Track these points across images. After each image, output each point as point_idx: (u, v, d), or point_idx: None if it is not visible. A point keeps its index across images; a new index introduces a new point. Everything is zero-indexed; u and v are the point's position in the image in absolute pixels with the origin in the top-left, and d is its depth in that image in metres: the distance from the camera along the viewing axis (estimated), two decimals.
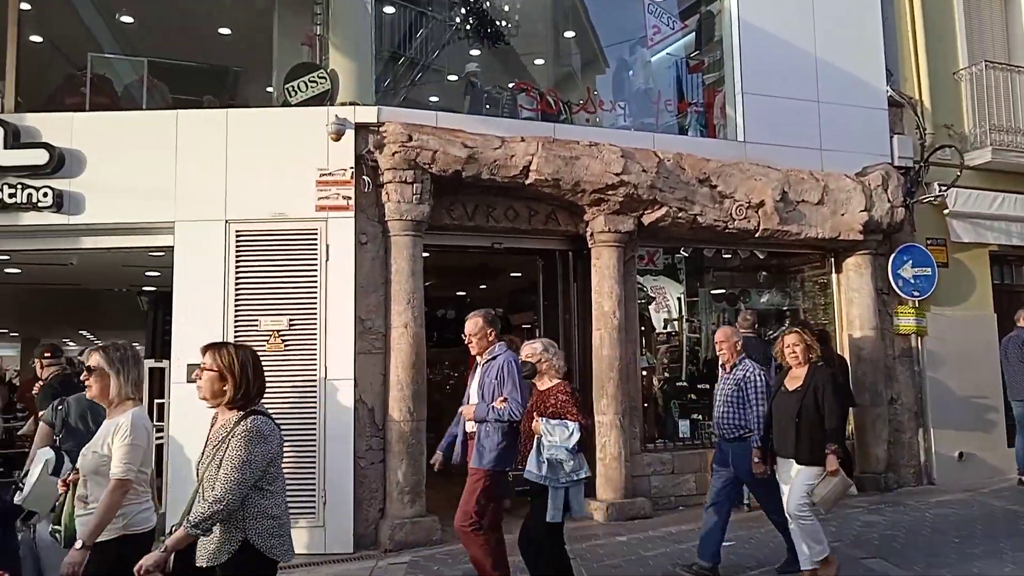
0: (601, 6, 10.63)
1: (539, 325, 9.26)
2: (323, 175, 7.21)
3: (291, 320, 7.05)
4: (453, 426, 5.66)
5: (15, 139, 7.01)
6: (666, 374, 9.35)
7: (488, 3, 9.99)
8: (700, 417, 8.90)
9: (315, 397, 6.96)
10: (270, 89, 8.84)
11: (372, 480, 7.12)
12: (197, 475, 3.38)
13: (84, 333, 20.37)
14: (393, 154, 7.23)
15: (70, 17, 9.32)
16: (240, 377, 3.37)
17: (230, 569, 3.24)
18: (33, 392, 7.60)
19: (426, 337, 7.42)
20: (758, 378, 5.98)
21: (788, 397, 5.62)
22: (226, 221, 7.12)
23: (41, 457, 4.55)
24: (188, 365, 6.86)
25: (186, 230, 7.12)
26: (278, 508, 3.39)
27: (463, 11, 9.87)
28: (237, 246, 7.11)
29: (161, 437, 7.56)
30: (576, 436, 4.75)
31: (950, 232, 9.83)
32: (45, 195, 6.97)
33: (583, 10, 10.71)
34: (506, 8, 10.18)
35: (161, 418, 7.56)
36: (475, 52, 9.94)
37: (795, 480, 5.50)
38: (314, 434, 6.94)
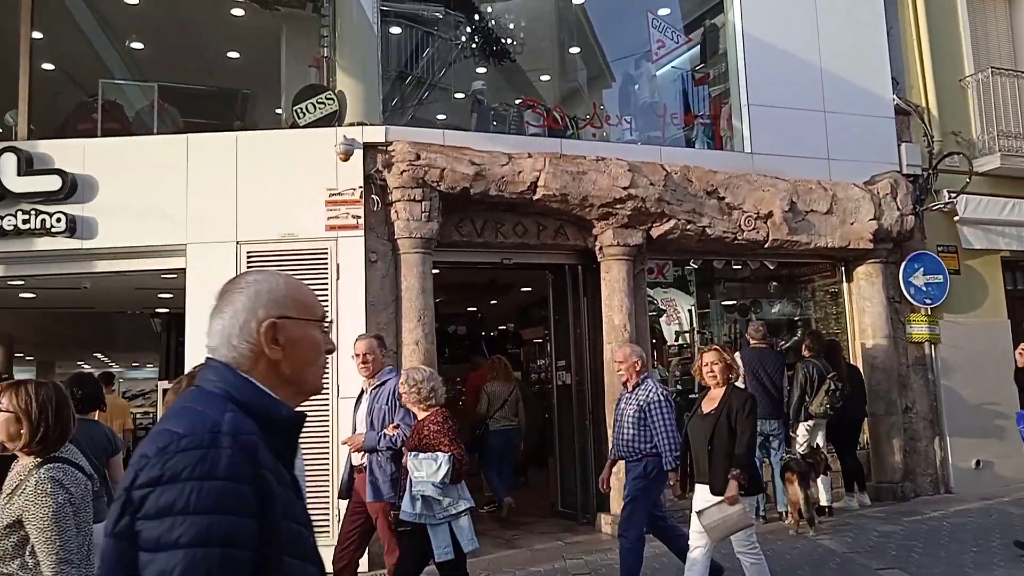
0: (606, 22, 10.70)
1: (550, 339, 9.27)
2: (332, 195, 7.27)
3: None
4: (348, 458, 5.42)
5: (28, 166, 7.10)
6: (678, 386, 9.33)
7: (493, 21, 10.08)
8: None
9: (328, 416, 6.98)
10: (279, 111, 8.94)
11: None
12: None
13: (99, 356, 20.51)
14: (401, 173, 7.28)
15: (81, 44, 9.46)
16: (38, 420, 2.92)
17: None
18: None
19: (437, 353, 7.44)
20: (662, 399, 5.74)
21: (703, 420, 5.26)
22: (237, 242, 7.19)
23: None
24: None
25: (198, 252, 7.18)
26: None
27: (469, 30, 9.96)
28: (248, 266, 7.16)
29: None
30: (445, 469, 4.48)
31: (961, 239, 9.80)
32: (58, 220, 7.05)
33: (588, 26, 10.78)
34: (511, 26, 10.27)
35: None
36: (481, 70, 10.02)
37: (701, 505, 5.17)
38: (327, 453, 6.95)
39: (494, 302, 13.50)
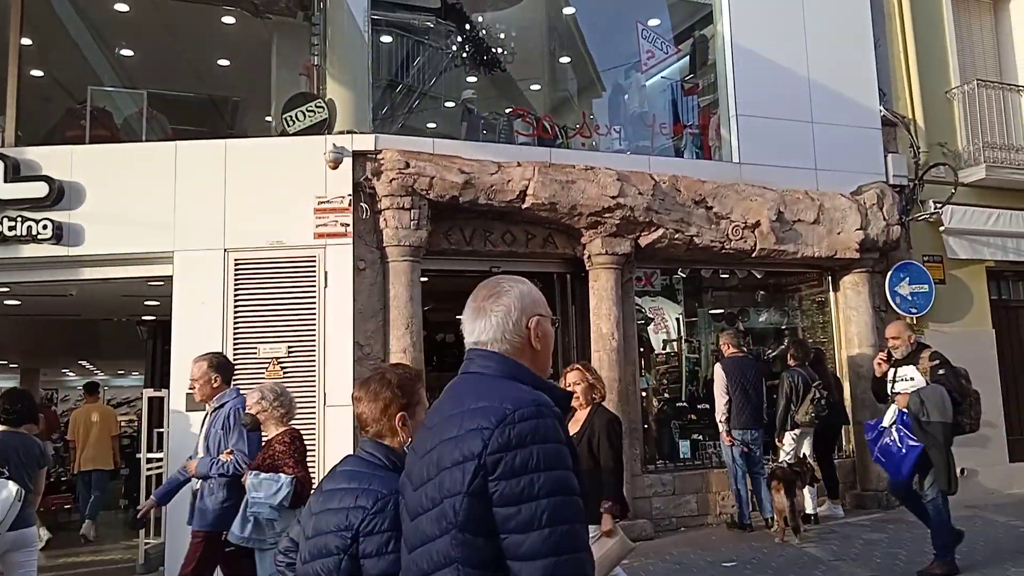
0: (596, 32, 10.76)
1: None
2: (321, 202, 7.28)
3: (290, 347, 7.08)
4: (178, 472, 5.21)
5: (15, 172, 7.08)
6: (666, 395, 9.36)
7: (484, 31, 10.12)
8: (701, 437, 8.91)
9: (315, 424, 6.97)
10: (269, 119, 8.94)
11: None
12: None
13: (84, 363, 20.39)
14: (391, 181, 7.30)
15: (70, 51, 9.44)
16: None
17: None
18: None
19: (425, 362, 7.44)
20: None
21: (579, 443, 4.84)
22: (225, 250, 7.18)
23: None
24: (187, 394, 6.88)
25: (185, 259, 7.17)
26: None
27: (460, 39, 10.00)
28: (236, 274, 7.16)
29: (160, 467, 7.58)
30: (285, 491, 4.20)
31: (946, 249, 9.88)
32: (45, 227, 7.03)
33: (579, 36, 10.84)
34: (502, 35, 10.31)
35: (161, 447, 7.59)
36: (472, 79, 10.06)
37: None
38: (313, 461, 6.93)
39: None
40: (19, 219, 7.03)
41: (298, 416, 6.84)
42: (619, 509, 4.67)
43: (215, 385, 4.96)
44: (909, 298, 9.49)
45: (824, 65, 9.59)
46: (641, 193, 7.99)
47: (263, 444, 4.64)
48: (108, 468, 9.92)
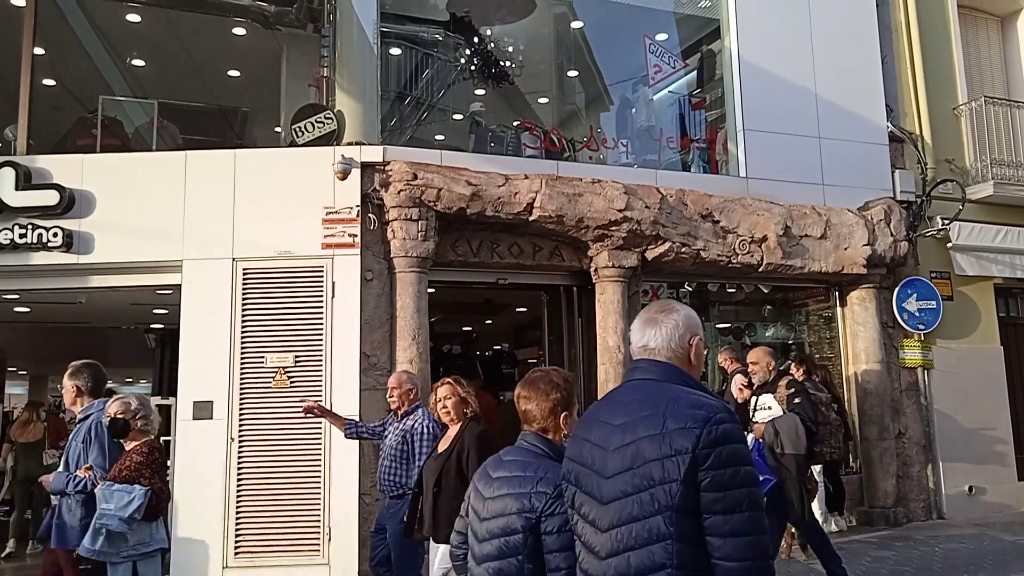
0: (604, 46, 10.80)
1: (545, 360, 9.27)
2: (329, 213, 7.31)
3: (297, 356, 7.09)
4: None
5: (27, 181, 7.12)
6: None
7: (493, 44, 10.17)
8: None
9: (320, 433, 6.97)
10: (278, 129, 8.99)
11: None
12: None
13: None
14: (398, 192, 7.32)
15: (83, 61, 9.52)
16: None
17: None
18: None
19: (432, 373, 7.44)
20: (427, 430, 5.31)
21: (435, 461, 4.75)
22: (233, 259, 7.20)
23: None
24: (195, 402, 6.91)
25: (194, 268, 7.19)
26: None
27: (468, 52, 10.05)
28: (244, 284, 7.18)
29: (168, 474, 7.59)
30: (137, 503, 4.11)
31: (954, 265, 9.85)
32: (55, 235, 7.06)
33: (587, 50, 10.88)
34: (510, 49, 10.36)
35: (168, 456, 7.59)
36: (480, 92, 10.10)
37: (434, 562, 4.65)
38: (319, 471, 6.94)
39: (489, 322, 13.49)
40: (30, 227, 7.07)
41: (304, 425, 6.88)
42: None
43: (73, 395, 4.77)
44: (917, 314, 9.46)
45: (831, 80, 9.61)
46: (648, 207, 8.00)
47: (124, 454, 4.49)
48: None
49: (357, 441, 6.85)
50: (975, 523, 8.96)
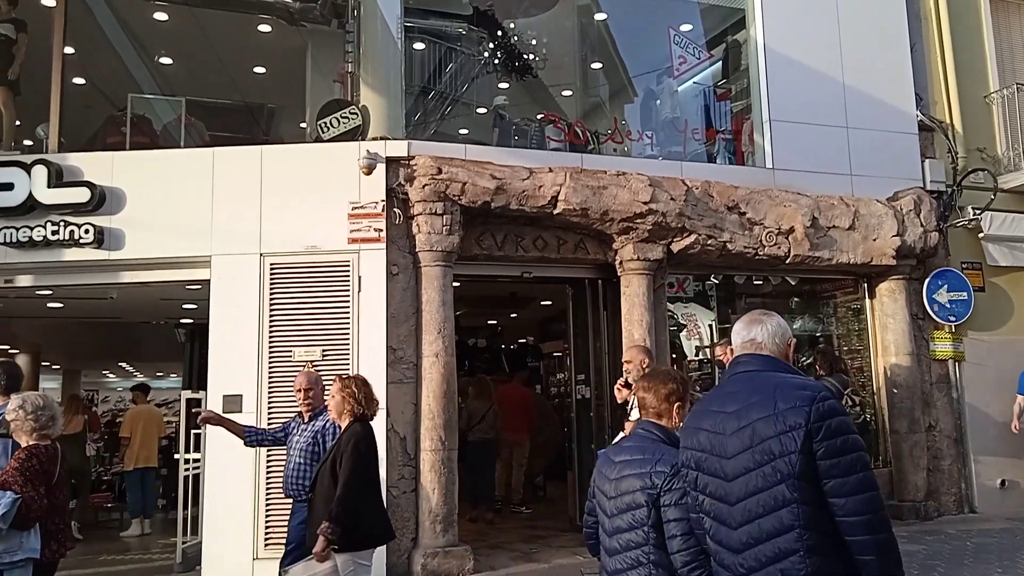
0: (628, 38, 10.74)
1: (570, 353, 9.27)
2: (355, 208, 7.35)
3: (324, 351, 7.16)
4: None
5: (58, 178, 7.24)
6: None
7: (516, 37, 10.16)
8: None
9: None
10: (303, 125, 9.05)
11: (404, 509, 7.15)
12: None
13: (123, 365, 20.73)
14: (423, 186, 7.35)
15: (112, 60, 9.63)
16: None
17: None
18: None
19: (457, 366, 7.48)
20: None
21: (324, 464, 4.68)
22: (261, 254, 7.28)
23: None
24: (224, 396, 6.99)
25: (222, 264, 7.28)
26: None
27: (492, 46, 10.04)
28: (271, 278, 7.25)
29: (198, 467, 7.71)
30: (3, 511, 3.85)
31: (986, 256, 9.71)
32: (87, 232, 7.17)
33: (610, 42, 10.83)
34: (534, 42, 10.34)
35: (198, 448, 7.71)
36: (503, 85, 10.09)
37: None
38: None
39: (514, 315, 13.52)
40: (62, 223, 7.19)
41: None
42: (339, 533, 4.38)
43: None
44: (947, 306, 9.34)
45: (859, 69, 9.49)
46: (673, 199, 7.96)
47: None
48: (155, 467, 10.34)
49: (384, 434, 6.92)
50: (1007, 517, 8.84)
